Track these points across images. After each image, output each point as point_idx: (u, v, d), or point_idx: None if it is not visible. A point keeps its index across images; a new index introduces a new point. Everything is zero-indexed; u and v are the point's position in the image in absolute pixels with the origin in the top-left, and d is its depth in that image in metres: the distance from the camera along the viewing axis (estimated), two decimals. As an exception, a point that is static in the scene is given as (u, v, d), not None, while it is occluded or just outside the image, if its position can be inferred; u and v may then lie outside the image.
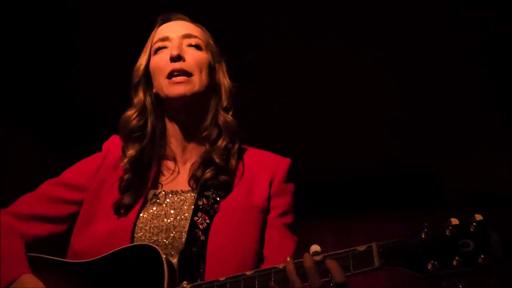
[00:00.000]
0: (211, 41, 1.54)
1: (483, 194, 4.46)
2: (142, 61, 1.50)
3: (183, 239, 1.31)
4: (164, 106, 1.47)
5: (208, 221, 1.33)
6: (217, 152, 1.40)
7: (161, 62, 1.43)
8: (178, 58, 1.40)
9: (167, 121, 1.48)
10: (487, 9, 2.76)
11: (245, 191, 1.40)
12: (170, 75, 1.40)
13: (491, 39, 2.98)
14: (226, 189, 1.39)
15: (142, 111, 1.46)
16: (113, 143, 1.52)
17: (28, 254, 1.35)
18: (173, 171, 1.44)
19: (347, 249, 1.10)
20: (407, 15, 2.84)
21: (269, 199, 1.41)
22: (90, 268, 1.28)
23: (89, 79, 3.35)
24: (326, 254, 1.11)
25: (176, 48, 1.42)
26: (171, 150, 1.46)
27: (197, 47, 1.47)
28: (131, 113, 1.48)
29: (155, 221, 1.34)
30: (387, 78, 3.37)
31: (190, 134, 1.45)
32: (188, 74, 1.40)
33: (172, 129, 1.47)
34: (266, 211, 1.40)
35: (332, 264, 1.08)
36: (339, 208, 4.47)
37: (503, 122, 3.74)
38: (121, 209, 1.36)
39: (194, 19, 1.61)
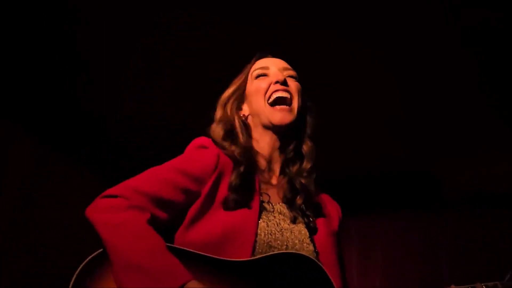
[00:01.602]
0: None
1: (482, 193, 4.47)
2: (233, 88, 1.68)
3: (306, 249, 1.41)
4: (252, 126, 1.61)
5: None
6: (306, 177, 1.54)
7: (262, 85, 1.60)
8: (284, 82, 1.58)
9: (254, 139, 1.60)
10: (488, 9, 2.76)
11: (326, 217, 1.56)
12: (274, 103, 1.56)
13: (490, 39, 2.98)
14: (316, 211, 1.53)
15: (230, 125, 1.58)
16: (216, 146, 1.54)
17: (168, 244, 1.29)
18: (266, 184, 1.53)
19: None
20: (407, 15, 2.84)
21: (338, 231, 1.60)
22: (248, 270, 1.27)
23: (89, 79, 3.36)
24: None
25: (281, 74, 1.60)
26: (260, 164, 1.57)
27: (295, 78, 1.66)
28: (216, 126, 1.60)
29: (274, 228, 1.42)
30: (387, 78, 3.37)
31: (274, 152, 1.59)
32: (287, 101, 1.57)
33: (258, 147, 1.58)
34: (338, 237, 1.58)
35: None
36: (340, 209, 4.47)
37: (502, 122, 3.74)
38: (240, 206, 1.40)
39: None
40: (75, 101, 3.54)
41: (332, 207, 1.63)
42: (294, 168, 1.56)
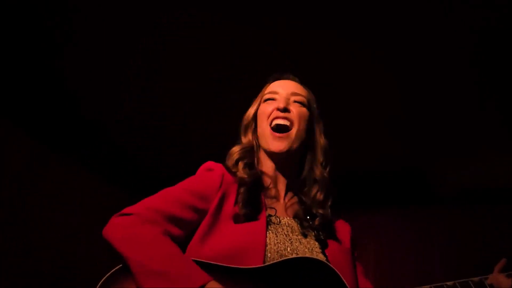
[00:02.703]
0: (314, 105, 1.76)
1: (478, 191, 4.49)
2: (252, 109, 1.74)
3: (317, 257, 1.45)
4: (260, 147, 1.69)
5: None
6: (317, 205, 1.59)
7: (268, 109, 1.67)
8: (284, 109, 1.63)
9: (260, 160, 1.68)
10: (487, 9, 2.76)
11: (337, 238, 1.61)
12: (274, 128, 1.63)
13: (490, 39, 2.98)
14: (327, 233, 1.58)
15: (248, 149, 1.67)
16: (223, 168, 1.61)
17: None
18: (272, 200, 1.60)
19: None
20: (407, 14, 2.84)
21: (351, 249, 1.64)
22: (263, 275, 1.32)
23: (89, 79, 3.36)
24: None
25: (284, 101, 1.65)
26: (265, 182, 1.64)
27: (302, 104, 1.70)
28: (236, 148, 1.68)
29: (283, 237, 1.47)
30: (387, 78, 3.37)
31: (278, 174, 1.65)
32: (287, 128, 1.62)
33: (263, 167, 1.66)
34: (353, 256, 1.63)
35: None
36: (332, 205, 4.47)
37: (500, 121, 3.74)
38: (248, 220, 1.46)
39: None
40: (74, 101, 3.53)
41: (343, 229, 1.69)
42: (307, 194, 1.62)
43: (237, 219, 1.46)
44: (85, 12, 2.81)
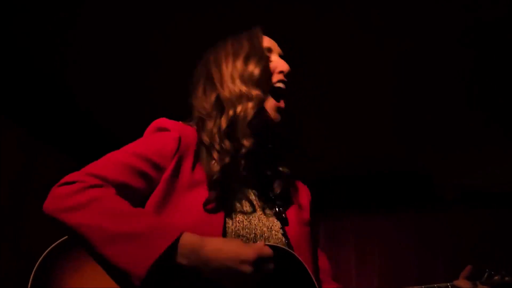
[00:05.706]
0: None
1: (479, 193, 4.49)
2: (257, 66, 1.46)
3: (275, 237, 1.34)
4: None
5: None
6: (279, 177, 1.43)
7: (278, 68, 1.47)
8: (288, 74, 1.48)
9: (244, 130, 1.39)
10: (488, 9, 2.76)
11: (297, 206, 1.46)
12: (279, 97, 1.44)
13: (490, 39, 2.98)
14: (287, 203, 1.44)
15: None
16: (179, 127, 1.40)
17: None
18: (236, 173, 1.38)
19: None
20: (407, 14, 2.84)
21: (310, 220, 1.50)
22: None
23: (89, 78, 3.37)
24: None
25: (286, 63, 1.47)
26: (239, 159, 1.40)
27: None
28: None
29: (241, 216, 1.32)
30: (387, 78, 3.37)
31: (257, 145, 1.39)
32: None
33: (247, 138, 1.39)
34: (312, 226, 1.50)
35: None
36: (337, 207, 4.48)
37: (500, 122, 3.74)
38: (207, 204, 1.28)
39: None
40: (75, 101, 3.55)
41: (302, 194, 1.53)
42: (270, 166, 1.45)
43: (194, 189, 1.29)
44: (85, 12, 2.81)
